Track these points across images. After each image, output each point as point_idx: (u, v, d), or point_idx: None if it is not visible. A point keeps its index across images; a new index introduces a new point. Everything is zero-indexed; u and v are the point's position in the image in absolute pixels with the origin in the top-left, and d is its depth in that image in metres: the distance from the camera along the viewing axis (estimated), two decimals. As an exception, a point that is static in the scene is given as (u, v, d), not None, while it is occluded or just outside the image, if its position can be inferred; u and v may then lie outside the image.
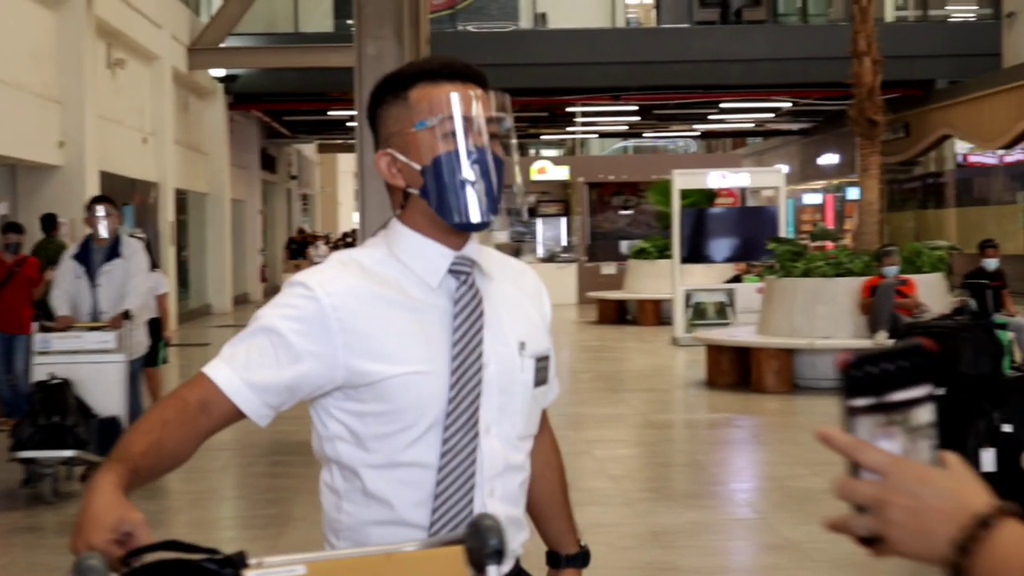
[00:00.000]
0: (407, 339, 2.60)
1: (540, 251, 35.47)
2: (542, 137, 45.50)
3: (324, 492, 2.75)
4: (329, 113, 35.11)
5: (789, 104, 35.31)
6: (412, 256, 2.69)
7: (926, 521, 1.42)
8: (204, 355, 21.86)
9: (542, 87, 31.84)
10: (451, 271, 2.69)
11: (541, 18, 32.17)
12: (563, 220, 35.93)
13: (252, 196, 37.34)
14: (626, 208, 35.38)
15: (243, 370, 2.56)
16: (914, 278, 15.22)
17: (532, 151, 48.31)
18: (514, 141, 2.75)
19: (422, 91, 2.66)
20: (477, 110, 2.64)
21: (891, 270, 14.89)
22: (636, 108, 35.83)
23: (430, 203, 2.65)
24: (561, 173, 34.68)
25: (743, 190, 27.98)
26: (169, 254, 26.75)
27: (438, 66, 2.69)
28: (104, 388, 10.37)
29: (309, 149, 49.94)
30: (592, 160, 41.11)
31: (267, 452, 11.76)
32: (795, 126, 42.04)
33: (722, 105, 35.49)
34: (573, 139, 44.03)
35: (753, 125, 41.97)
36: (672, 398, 15.15)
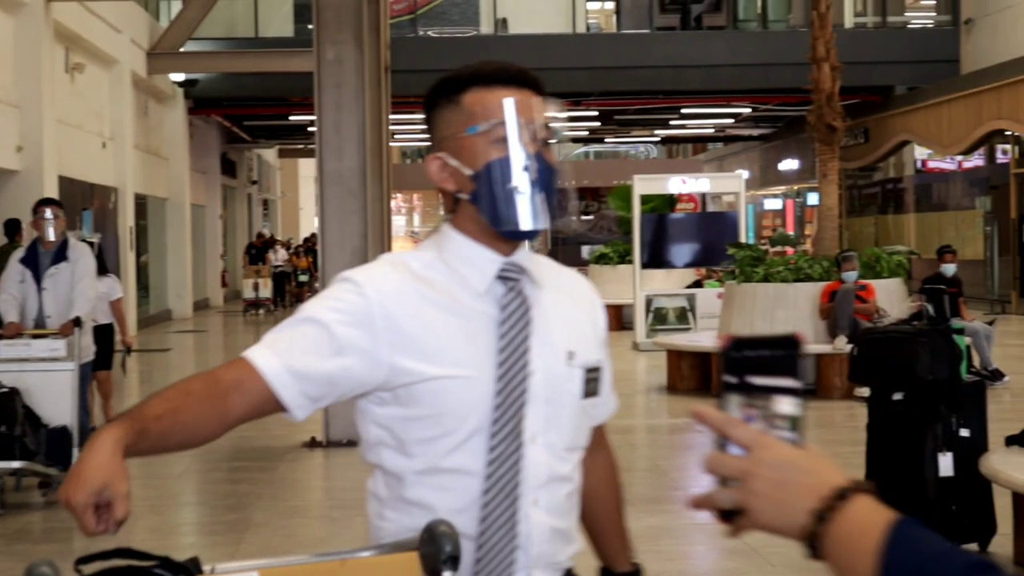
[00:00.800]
0: (452, 342, 2.57)
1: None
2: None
3: (369, 500, 2.74)
4: (290, 118, 35.01)
5: (749, 110, 35.42)
6: (460, 260, 2.66)
7: (788, 493, 1.50)
8: (165, 360, 21.85)
9: (503, 92, 31.79)
10: (499, 277, 2.65)
11: (502, 23, 32.17)
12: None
13: (212, 201, 37.21)
14: (587, 213, 35.43)
15: (285, 355, 2.52)
16: (873, 283, 15.29)
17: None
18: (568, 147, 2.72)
19: (475, 95, 2.63)
20: (530, 116, 2.61)
21: (850, 275, 14.95)
22: (597, 113, 35.86)
23: (479, 209, 2.62)
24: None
25: (703, 195, 28.11)
26: (129, 259, 26.63)
27: (493, 70, 2.66)
28: (54, 397, 10.16)
29: (270, 154, 49.80)
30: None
31: (227, 458, 11.71)
32: (755, 132, 42.16)
33: (683, 110, 35.56)
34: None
35: (713, 130, 42.07)
36: (633, 403, 15.15)
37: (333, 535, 8.84)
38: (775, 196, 45.95)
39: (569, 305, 2.77)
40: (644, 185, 21.81)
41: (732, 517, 1.56)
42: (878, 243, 29.75)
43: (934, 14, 34.23)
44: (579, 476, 2.77)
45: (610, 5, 36.35)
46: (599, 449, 2.93)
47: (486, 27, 32.31)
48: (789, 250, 23.67)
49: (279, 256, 35.57)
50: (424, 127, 2.74)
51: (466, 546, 2.56)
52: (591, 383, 2.73)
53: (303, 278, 35.40)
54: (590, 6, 35.35)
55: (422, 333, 2.57)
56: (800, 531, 1.51)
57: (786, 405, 1.58)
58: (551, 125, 2.66)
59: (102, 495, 2.20)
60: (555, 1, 32.50)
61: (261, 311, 32.94)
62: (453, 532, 2.47)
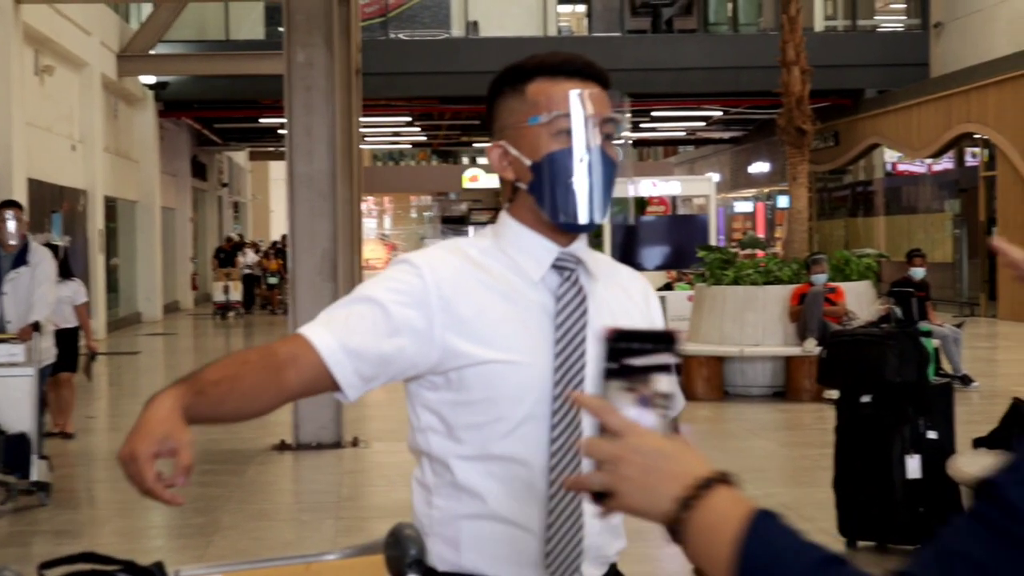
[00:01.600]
0: (506, 327, 2.56)
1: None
2: (474, 145, 45.48)
3: (415, 489, 2.70)
4: (260, 120, 34.94)
5: (720, 113, 35.50)
6: (517, 248, 2.65)
7: (654, 479, 1.59)
8: (134, 363, 21.75)
9: (474, 95, 31.81)
10: (555, 267, 2.64)
11: (473, 26, 32.17)
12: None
13: (183, 204, 37.11)
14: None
15: (341, 333, 2.50)
16: (842, 286, 15.33)
17: (464, 159, 48.27)
18: (629, 143, 2.71)
19: (540, 86, 2.62)
20: (593, 109, 2.60)
21: (820, 278, 14.99)
22: (568, 116, 35.85)
23: (537, 200, 2.62)
24: (493, 181, 34.69)
25: (674, 198, 28.09)
26: (98, 262, 26.54)
27: (559, 62, 2.65)
28: (12, 403, 9.94)
29: (240, 156, 49.69)
30: (524, 168, 41.12)
31: (196, 461, 11.64)
32: (726, 134, 42.26)
33: (653, 113, 35.60)
34: (505, 147, 43.98)
35: (684, 133, 42.13)
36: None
37: (302, 538, 8.83)
38: (746, 199, 46.05)
39: (623, 299, 2.77)
40: (615, 188, 21.81)
41: (603, 499, 1.64)
42: (848, 246, 29.87)
43: (904, 18, 34.37)
44: None
45: (581, 8, 36.37)
46: None
47: (457, 30, 32.31)
48: (759, 253, 23.73)
49: (248, 259, 35.47)
50: (485, 114, 2.74)
51: (524, 539, 2.55)
52: None
53: (273, 280, 35.32)
54: (561, 9, 35.37)
55: (477, 317, 2.56)
56: (664, 516, 1.58)
57: (663, 383, 1.67)
58: (615, 119, 2.65)
59: (165, 444, 2.18)
60: (526, 4, 32.52)
61: (231, 314, 32.86)
62: (418, 535, 2.47)
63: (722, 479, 1.59)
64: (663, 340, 1.70)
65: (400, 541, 2.46)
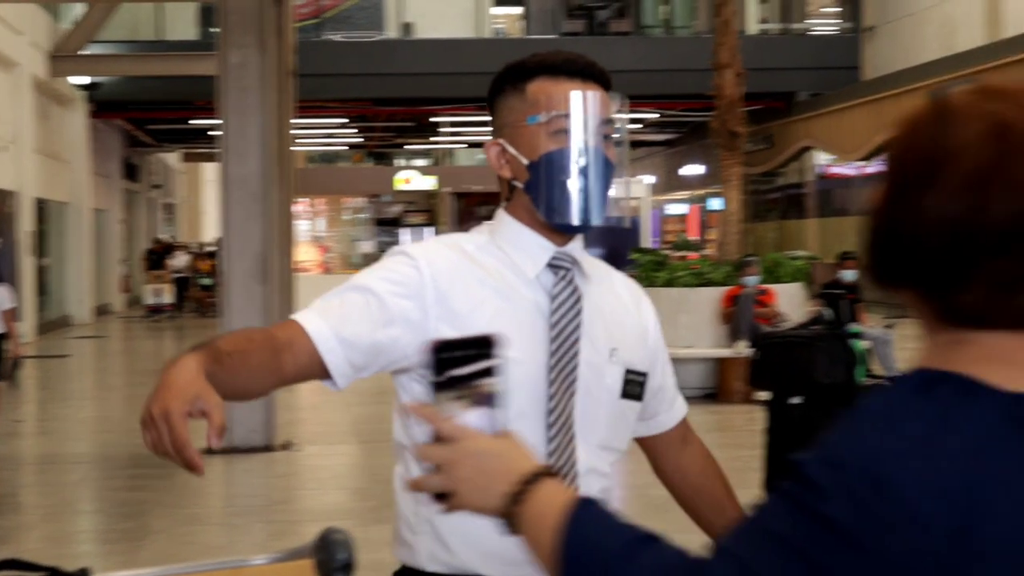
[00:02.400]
0: (501, 323, 2.52)
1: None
2: (409, 147, 45.41)
3: (400, 488, 2.71)
4: (191, 122, 34.73)
5: (654, 115, 35.62)
6: (513, 246, 2.65)
7: (485, 479, 1.76)
8: (64, 367, 21.53)
9: (409, 97, 31.81)
10: (550, 266, 2.64)
11: (408, 28, 32.14)
12: (429, 230, 35.91)
13: (114, 205, 36.81)
14: (491, 218, 35.47)
15: (335, 321, 2.47)
16: (774, 288, 15.41)
17: (398, 161, 48.20)
18: (625, 146, 2.69)
19: (540, 85, 2.62)
20: (592, 111, 2.58)
21: (751, 280, 15.07)
22: (503, 118, 35.90)
23: (533, 199, 2.61)
24: (427, 183, 34.65)
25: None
26: (27, 264, 26.28)
27: (561, 61, 2.64)
28: None
29: (173, 158, 49.38)
30: (458, 170, 41.10)
31: (125, 465, 11.57)
32: (660, 137, 42.42)
33: (588, 116, 35.67)
34: (440, 149, 44.01)
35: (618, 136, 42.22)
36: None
37: (232, 542, 8.77)
38: (679, 201, 46.24)
39: (615, 302, 2.76)
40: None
41: (444, 498, 1.79)
42: (780, 248, 30.03)
43: (836, 21, 34.62)
44: (615, 477, 2.76)
45: (516, 10, 36.42)
46: (688, 444, 2.94)
47: (392, 31, 32.26)
48: (692, 255, 23.82)
49: (178, 261, 35.22)
50: (487, 112, 2.73)
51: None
52: (631, 385, 2.71)
53: (205, 282, 35.08)
54: (496, 11, 35.41)
55: (472, 311, 2.55)
56: (497, 511, 1.75)
57: (489, 386, 1.81)
58: (614, 121, 2.64)
59: (196, 404, 2.13)
60: (461, 6, 32.54)
61: (163, 316, 32.64)
62: (347, 539, 2.45)
63: (547, 473, 1.75)
64: (484, 345, 1.82)
65: (329, 545, 2.45)
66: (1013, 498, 1.59)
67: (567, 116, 2.57)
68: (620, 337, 2.72)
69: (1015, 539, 1.58)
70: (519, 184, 2.64)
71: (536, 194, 2.61)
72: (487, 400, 1.82)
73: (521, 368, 2.53)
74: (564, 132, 2.57)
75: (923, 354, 1.76)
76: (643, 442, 2.96)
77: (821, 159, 33.83)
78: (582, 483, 2.63)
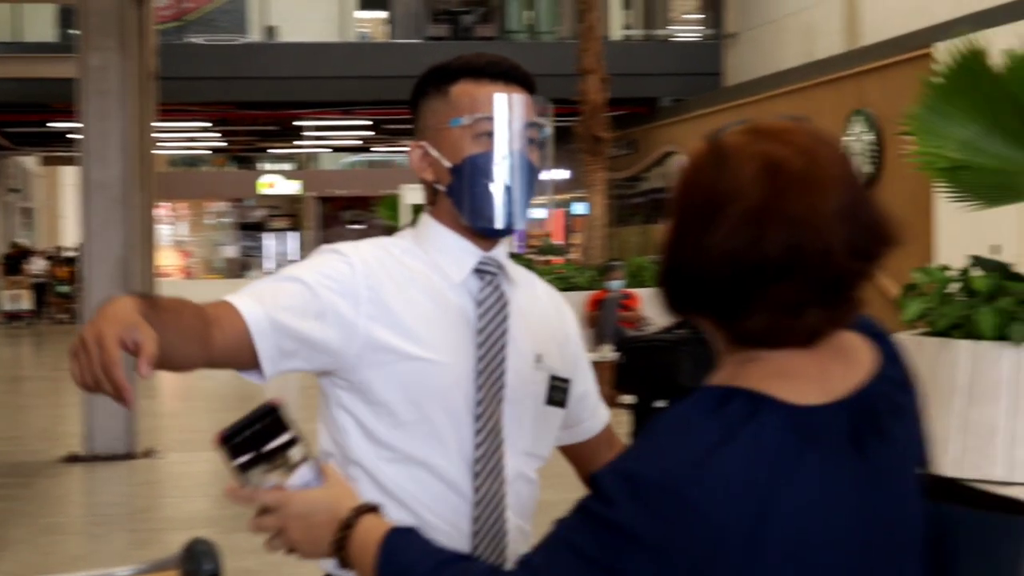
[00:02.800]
0: (431, 326, 2.50)
1: (269, 266, 35.14)
2: (272, 151, 45.09)
3: None
4: (49, 125, 34.14)
5: (519, 120, 35.71)
6: (438, 250, 2.60)
7: (314, 533, 1.98)
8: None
9: (272, 100, 31.56)
10: (476, 271, 2.60)
11: (271, 31, 31.88)
12: (293, 235, 35.67)
13: (-30, 210, 36.10)
14: (356, 222, 35.33)
15: (268, 306, 2.41)
16: (638, 292, 15.53)
17: (262, 165, 47.83)
18: (548, 149, 2.67)
19: (464, 88, 2.59)
20: (516, 113, 2.55)
21: (616, 284, 15.16)
22: (368, 123, 35.79)
23: (455, 203, 2.58)
24: (291, 187, 34.42)
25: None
26: None
27: (485, 63, 2.61)
28: None
29: (31, 161, 48.52)
30: (322, 174, 40.90)
31: (-17, 474, 11.35)
32: (525, 142, 42.52)
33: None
34: (304, 153, 43.77)
35: (483, 141, 42.30)
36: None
37: (93, 552, 8.63)
38: (543, 206, 46.40)
39: (540, 309, 2.75)
40: (413, 194, 21.86)
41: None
42: (644, 252, 30.28)
43: (699, 28, 34.97)
44: (538, 483, 2.74)
45: (381, 14, 36.33)
46: (614, 448, 2.94)
47: (256, 35, 31.99)
48: (557, 259, 23.91)
49: (36, 266, 34.58)
50: (409, 114, 2.73)
51: (450, 542, 2.46)
52: (556, 391, 2.70)
53: (63, 289, 34.48)
54: (360, 15, 35.26)
55: (403, 311, 2.51)
56: (331, 555, 1.98)
57: (295, 453, 1.97)
58: (538, 124, 2.61)
59: (130, 333, 2.06)
60: (326, 9, 32.36)
61: (22, 323, 32.06)
62: (213, 549, 2.43)
63: (363, 511, 1.98)
64: (268, 414, 1.96)
65: (195, 556, 2.42)
66: (798, 505, 1.74)
67: (491, 119, 2.55)
68: (544, 343, 2.71)
69: (803, 545, 1.74)
70: (442, 187, 2.62)
71: (459, 197, 2.58)
72: (297, 454, 1.98)
73: (452, 372, 2.52)
74: (488, 135, 2.55)
75: (718, 371, 1.91)
76: (568, 450, 2.96)
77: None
78: (510, 489, 2.62)
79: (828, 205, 1.78)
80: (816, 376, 1.84)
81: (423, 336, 2.51)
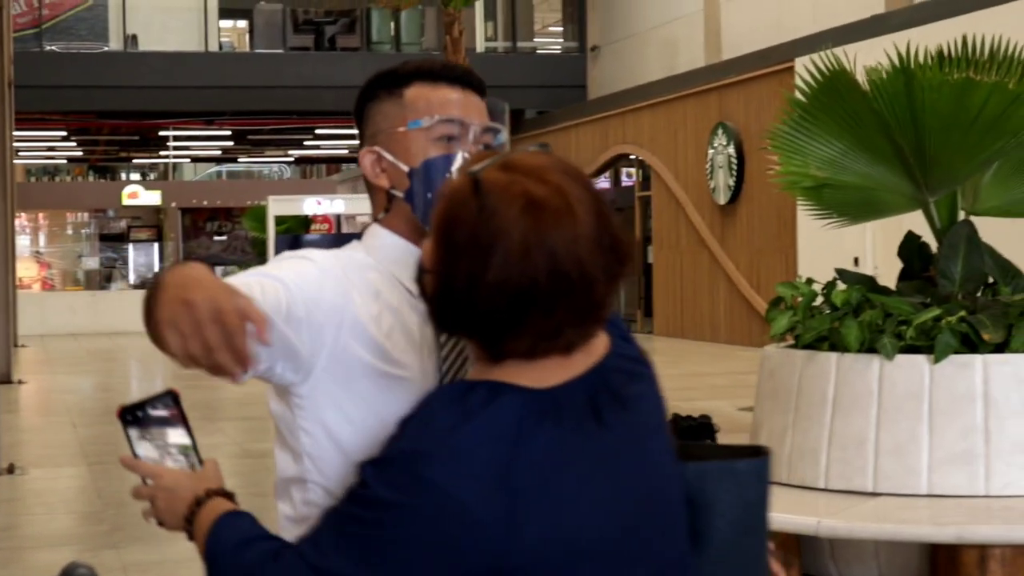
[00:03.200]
0: (396, 340, 2.41)
1: (132, 277, 34.69)
2: (134, 161, 44.55)
3: (287, 529, 2.40)
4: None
5: (383, 131, 35.65)
6: (392, 261, 2.49)
7: (174, 506, 2.20)
8: None
9: (133, 110, 31.19)
10: None
11: (132, 40, 31.50)
12: (155, 246, 35.27)
13: None
14: (220, 234, 35.03)
15: (255, 296, 2.23)
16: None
17: (123, 175, 47.23)
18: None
19: (419, 90, 2.54)
20: (473, 118, 2.52)
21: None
22: (230, 133, 35.51)
23: (413, 208, 2.49)
24: (153, 198, 34.05)
25: (338, 216, 28.07)
26: None
27: (440, 67, 2.57)
28: None
29: None
30: (185, 185, 40.52)
31: None
32: (389, 153, 42.48)
33: (317, 131, 35.54)
34: (165, 163, 43.28)
35: (347, 151, 42.20)
36: (268, 426, 14.96)
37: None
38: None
39: None
40: (279, 206, 21.72)
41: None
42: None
43: (561, 40, 35.20)
44: None
45: (243, 24, 36.05)
46: None
47: (116, 43, 31.58)
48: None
49: None
50: (354, 119, 2.63)
51: None
52: None
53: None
54: (222, 24, 34.98)
55: (369, 324, 2.41)
56: (183, 529, 2.20)
57: (176, 437, 2.24)
58: (495, 129, 2.58)
59: (243, 302, 2.05)
60: (186, 19, 32.02)
61: None
62: (92, 573, 2.40)
63: (218, 493, 2.20)
64: (166, 398, 2.24)
65: (72, 582, 2.39)
66: (545, 478, 1.92)
67: (451, 121, 2.51)
68: None
69: (557, 514, 1.93)
70: (398, 193, 2.53)
71: (418, 201, 2.50)
72: (176, 438, 2.24)
73: (414, 389, 2.38)
74: (447, 138, 2.51)
75: (470, 372, 2.17)
76: None
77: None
78: None
79: (585, 237, 1.97)
80: (557, 365, 2.03)
81: (391, 351, 2.42)
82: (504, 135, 2.64)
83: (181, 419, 2.23)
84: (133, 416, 2.22)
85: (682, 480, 2.16)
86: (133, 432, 2.22)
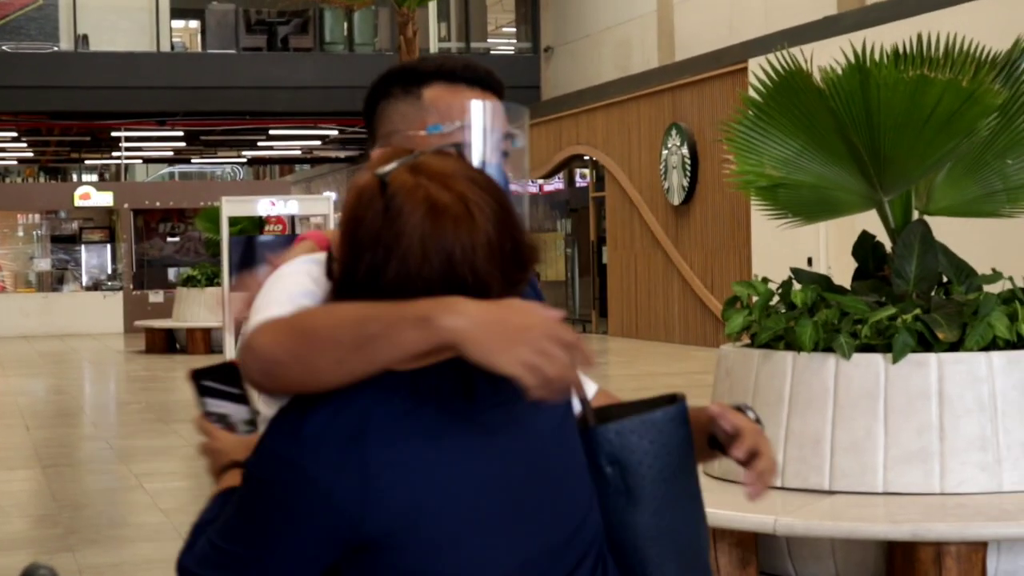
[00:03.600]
0: None
1: (85, 279, 34.49)
2: (86, 162, 44.29)
3: None
4: None
5: (336, 132, 35.58)
6: None
7: (214, 468, 2.33)
8: None
9: (84, 111, 31.00)
10: None
11: (83, 40, 31.31)
12: (108, 247, 35.07)
13: None
14: (173, 235, 34.86)
15: None
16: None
17: (75, 176, 46.95)
18: (527, 162, 2.55)
19: (438, 91, 2.46)
20: (495, 123, 2.43)
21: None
22: (182, 133, 35.34)
23: None
24: (105, 199, 33.85)
25: (292, 217, 28.00)
26: None
27: (460, 67, 2.49)
28: None
29: None
30: (137, 186, 40.26)
31: None
32: (342, 153, 42.40)
33: (270, 132, 35.42)
34: (117, 164, 43.04)
35: (300, 152, 42.08)
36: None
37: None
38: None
39: None
40: (232, 207, 21.61)
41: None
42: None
43: (515, 41, 35.21)
44: None
45: (195, 24, 35.90)
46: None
47: (66, 43, 31.38)
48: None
49: None
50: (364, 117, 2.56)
51: None
52: None
53: None
54: (174, 24, 34.80)
55: None
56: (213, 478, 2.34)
57: (233, 405, 2.34)
58: (513, 135, 2.51)
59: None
60: (137, 19, 31.84)
61: None
62: (53, 574, 2.39)
63: (238, 465, 2.23)
64: (230, 368, 2.32)
65: (33, 582, 2.38)
66: (395, 451, 1.99)
67: (471, 127, 2.41)
68: None
69: (438, 498, 2.00)
70: None
71: None
72: (242, 413, 2.34)
73: None
74: (468, 145, 2.38)
75: None
76: None
77: (502, 176, 34.27)
78: None
79: (483, 244, 2.03)
80: None
81: None
82: (522, 140, 2.55)
83: (240, 389, 2.32)
84: (202, 380, 2.34)
85: (580, 454, 2.22)
86: (201, 395, 2.35)
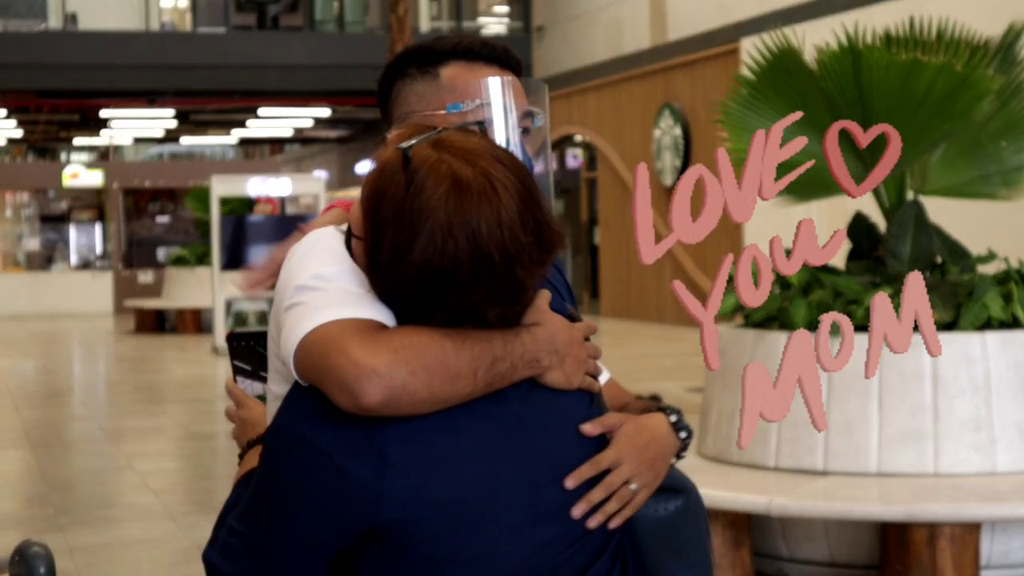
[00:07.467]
0: None
1: (74, 259, 34.44)
2: (75, 141, 44.18)
3: None
4: None
5: (327, 111, 35.52)
6: None
7: (241, 439, 2.39)
8: None
9: (73, 89, 30.91)
10: None
11: (71, 18, 31.20)
12: (97, 227, 35.02)
13: None
14: (163, 214, 34.83)
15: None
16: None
17: (64, 156, 46.85)
18: (548, 140, 2.51)
19: (456, 70, 2.42)
20: (517, 101, 2.39)
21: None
22: (173, 113, 35.27)
23: None
24: (95, 179, 33.79)
25: (282, 197, 27.96)
26: None
27: (478, 45, 2.45)
28: None
29: None
30: (127, 165, 40.16)
31: None
32: (333, 133, 42.33)
33: (260, 111, 35.35)
34: (107, 144, 42.96)
35: (291, 132, 42.00)
36: (214, 408, 14.93)
37: None
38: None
39: None
40: (222, 186, 21.58)
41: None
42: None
43: (507, 20, 35.12)
44: None
45: (184, 2, 35.81)
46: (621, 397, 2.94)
47: (55, 22, 31.28)
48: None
49: None
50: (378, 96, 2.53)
51: None
52: None
53: None
54: (164, 3, 34.71)
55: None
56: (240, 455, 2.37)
57: (259, 365, 2.39)
58: (533, 113, 2.46)
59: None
60: (127, -3, 31.78)
61: None
62: (46, 552, 2.37)
63: (259, 441, 2.28)
64: (258, 337, 2.39)
65: (27, 559, 2.37)
66: (427, 456, 2.00)
67: (491, 106, 2.38)
68: None
69: (422, 477, 2.00)
70: None
71: None
72: (258, 377, 2.40)
73: None
74: (488, 123, 2.36)
75: None
76: None
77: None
78: None
79: (509, 221, 2.01)
80: None
81: None
82: (542, 118, 2.49)
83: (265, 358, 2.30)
84: (238, 344, 2.38)
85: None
86: (235, 359, 2.38)
